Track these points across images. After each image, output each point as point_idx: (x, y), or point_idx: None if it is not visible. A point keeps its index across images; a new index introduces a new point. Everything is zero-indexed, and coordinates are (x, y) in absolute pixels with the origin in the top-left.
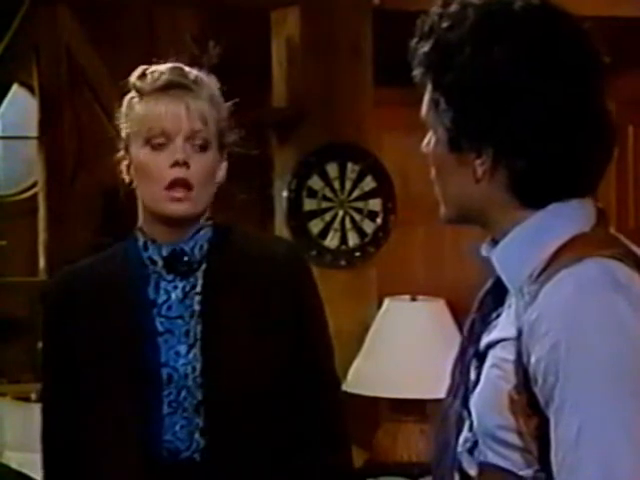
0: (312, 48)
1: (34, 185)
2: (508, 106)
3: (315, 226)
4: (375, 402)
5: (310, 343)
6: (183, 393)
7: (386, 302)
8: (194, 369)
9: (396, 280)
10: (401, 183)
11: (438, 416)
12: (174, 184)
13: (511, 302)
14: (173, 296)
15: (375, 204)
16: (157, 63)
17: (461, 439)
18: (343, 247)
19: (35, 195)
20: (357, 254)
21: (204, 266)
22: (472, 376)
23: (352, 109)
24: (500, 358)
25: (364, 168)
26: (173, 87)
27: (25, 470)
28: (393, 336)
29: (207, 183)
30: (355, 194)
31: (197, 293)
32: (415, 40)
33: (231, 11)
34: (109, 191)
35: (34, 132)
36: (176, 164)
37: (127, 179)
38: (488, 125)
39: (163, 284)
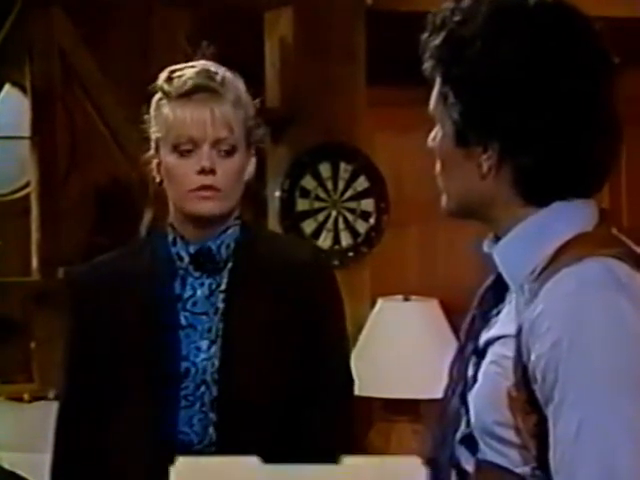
0: (305, 48)
1: (27, 185)
2: (516, 102)
3: (308, 226)
4: (368, 402)
5: (328, 349)
6: (202, 388)
7: (379, 302)
8: (213, 365)
9: (389, 280)
10: (394, 183)
11: (436, 412)
12: (201, 189)
13: (511, 299)
14: (199, 292)
15: (368, 204)
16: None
17: (458, 435)
18: (336, 247)
19: (28, 195)
20: (350, 254)
21: (230, 265)
22: (470, 372)
23: (345, 109)
24: (499, 355)
25: (357, 168)
26: (199, 91)
27: (18, 470)
28: (386, 336)
29: (235, 184)
30: (348, 194)
31: (221, 291)
32: (426, 34)
33: (225, 11)
34: (102, 191)
35: (27, 132)
36: (202, 171)
37: (157, 178)
38: (495, 120)
39: (190, 280)
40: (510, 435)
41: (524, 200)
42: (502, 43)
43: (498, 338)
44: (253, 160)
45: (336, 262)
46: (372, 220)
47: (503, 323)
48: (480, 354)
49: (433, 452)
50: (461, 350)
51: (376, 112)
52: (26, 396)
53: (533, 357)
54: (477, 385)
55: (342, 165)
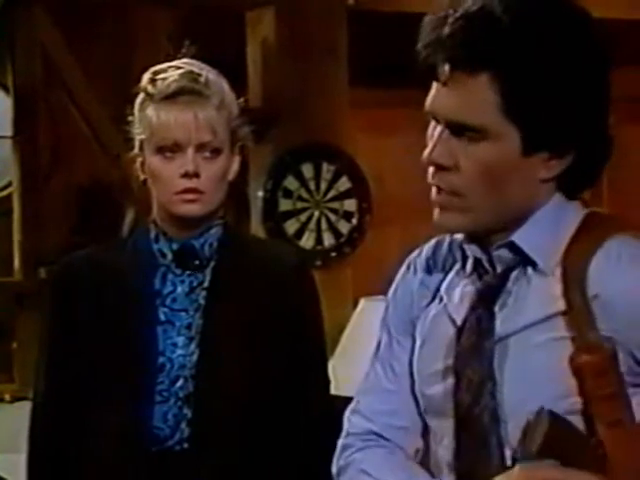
0: (287, 48)
1: (9, 185)
2: (587, 100)
3: (291, 226)
4: (350, 402)
5: (304, 350)
6: (178, 384)
7: (361, 302)
8: (191, 361)
9: (371, 280)
10: (376, 183)
11: (449, 416)
12: (185, 191)
13: (523, 284)
14: (179, 289)
15: (350, 204)
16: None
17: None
18: (318, 247)
19: (10, 195)
20: (333, 254)
21: (213, 263)
22: (497, 367)
23: (327, 110)
24: (549, 338)
25: (339, 168)
26: (183, 94)
27: None
28: (368, 336)
29: (218, 186)
30: (330, 194)
31: (204, 288)
32: (452, 25)
33: (207, 11)
34: (84, 191)
35: (9, 132)
36: (186, 175)
37: (141, 177)
38: (577, 121)
39: (170, 276)
40: (577, 405)
41: (555, 194)
42: (567, 40)
43: (533, 324)
44: (237, 159)
45: (319, 262)
46: (354, 220)
47: (530, 308)
48: (504, 346)
49: (467, 455)
50: (474, 349)
51: (358, 113)
52: (7, 396)
53: (631, 330)
54: (525, 375)
55: (324, 165)
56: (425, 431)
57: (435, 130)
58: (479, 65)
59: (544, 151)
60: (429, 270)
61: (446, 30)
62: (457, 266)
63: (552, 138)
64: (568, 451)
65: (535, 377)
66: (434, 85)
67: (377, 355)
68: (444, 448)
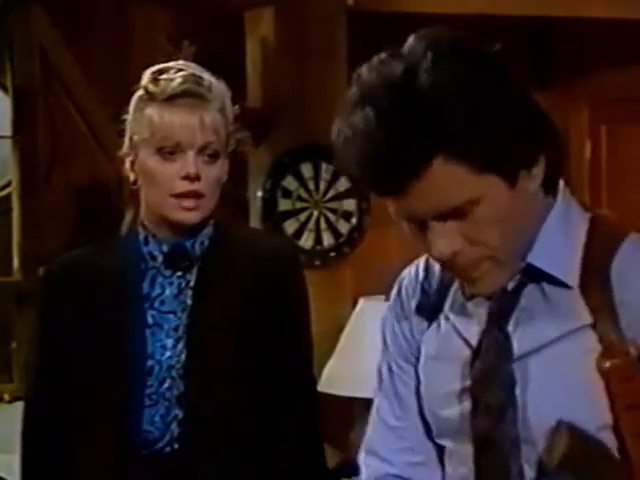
0: (286, 49)
1: (8, 185)
2: (520, 109)
3: (290, 226)
4: (349, 402)
5: (292, 346)
6: (166, 384)
7: (361, 302)
8: (179, 361)
9: (371, 280)
10: None
11: (467, 440)
12: (184, 195)
13: (535, 302)
14: (168, 291)
15: (350, 204)
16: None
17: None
18: (318, 247)
19: (9, 195)
20: (332, 254)
21: (200, 263)
22: (518, 390)
23: (326, 110)
24: (580, 350)
25: None
26: (187, 96)
27: None
28: (367, 336)
29: (215, 189)
30: (330, 194)
31: (190, 288)
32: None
33: (206, 11)
34: (84, 190)
35: (8, 131)
36: (187, 177)
37: (131, 177)
38: (533, 128)
39: (159, 279)
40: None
41: (555, 206)
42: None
43: (559, 338)
44: (226, 162)
45: (318, 262)
46: (354, 220)
47: (551, 323)
48: (524, 365)
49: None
50: (492, 374)
51: None
52: (6, 396)
53: None
54: (554, 393)
55: (323, 165)
56: (440, 457)
57: (418, 229)
58: (431, 152)
59: (522, 170)
60: (425, 292)
61: (377, 140)
62: (456, 283)
63: (522, 157)
64: (589, 464)
65: (566, 393)
66: (387, 198)
67: (381, 388)
68: (467, 472)
